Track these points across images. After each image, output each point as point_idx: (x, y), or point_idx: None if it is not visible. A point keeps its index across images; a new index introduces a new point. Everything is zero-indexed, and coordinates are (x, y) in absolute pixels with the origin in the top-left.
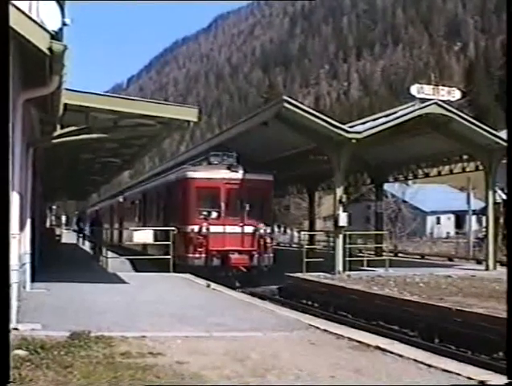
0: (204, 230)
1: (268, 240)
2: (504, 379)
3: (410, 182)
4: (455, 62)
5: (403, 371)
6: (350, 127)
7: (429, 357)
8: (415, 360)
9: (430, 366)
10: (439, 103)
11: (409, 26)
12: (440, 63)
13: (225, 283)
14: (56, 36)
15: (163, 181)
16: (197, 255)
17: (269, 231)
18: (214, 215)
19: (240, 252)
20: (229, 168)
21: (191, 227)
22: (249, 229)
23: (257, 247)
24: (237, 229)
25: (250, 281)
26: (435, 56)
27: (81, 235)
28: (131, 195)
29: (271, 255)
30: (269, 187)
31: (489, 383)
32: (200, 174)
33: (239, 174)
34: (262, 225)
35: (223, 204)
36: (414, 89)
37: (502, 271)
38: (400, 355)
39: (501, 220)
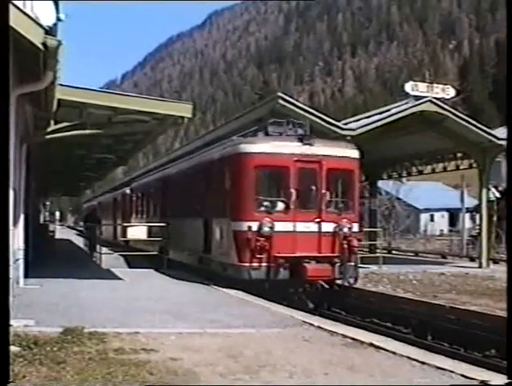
0: (265, 228)
1: (354, 243)
2: (502, 378)
3: (404, 179)
4: (449, 60)
5: (397, 368)
6: (344, 124)
7: (423, 354)
8: (409, 357)
9: (423, 363)
10: (434, 100)
11: (404, 24)
12: (435, 61)
13: (291, 302)
14: (51, 32)
15: (197, 161)
16: (256, 264)
17: (355, 229)
18: (280, 206)
19: (318, 259)
20: (300, 139)
21: (246, 223)
22: (328, 227)
23: (340, 252)
24: (313, 227)
25: (329, 301)
26: (430, 54)
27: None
28: (142, 185)
29: (358, 263)
30: (354, 167)
31: (490, 383)
32: (260, 147)
33: (315, 149)
34: (345, 221)
35: (293, 191)
36: (408, 87)
37: (495, 269)
38: (394, 353)
39: (495, 218)
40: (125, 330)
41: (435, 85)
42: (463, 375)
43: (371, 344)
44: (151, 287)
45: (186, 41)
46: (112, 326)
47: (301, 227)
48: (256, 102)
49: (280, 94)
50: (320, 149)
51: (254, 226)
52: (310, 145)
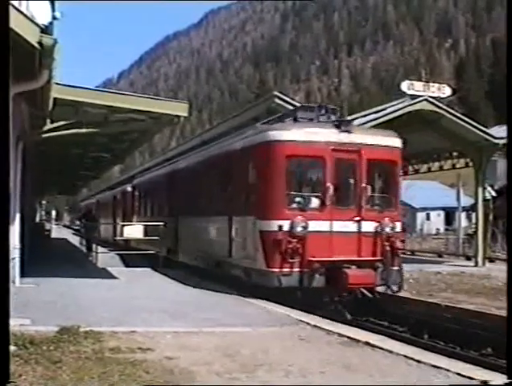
0: (298, 228)
1: (398, 244)
2: (499, 377)
3: (400, 178)
4: (445, 59)
5: (393, 367)
6: None
7: (419, 353)
8: (405, 356)
9: (419, 362)
10: (430, 100)
11: (400, 23)
12: (431, 60)
13: (325, 313)
14: (46, 30)
15: (214, 153)
16: (287, 269)
17: (398, 228)
18: (315, 203)
19: (358, 263)
20: (337, 126)
21: (276, 222)
22: (369, 226)
23: (382, 255)
24: (352, 227)
25: (368, 311)
26: (426, 53)
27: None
28: (146, 182)
29: (402, 268)
30: (397, 158)
31: (489, 383)
32: (292, 134)
33: (354, 137)
34: (388, 220)
35: (329, 185)
36: (404, 86)
37: (491, 267)
38: (390, 351)
39: (491, 217)
40: (122, 329)
41: (431, 84)
42: (459, 374)
43: (367, 343)
44: (148, 286)
45: (182, 40)
46: (108, 325)
47: (338, 226)
48: (252, 101)
49: (276, 93)
50: (359, 136)
51: (285, 225)
52: (348, 132)
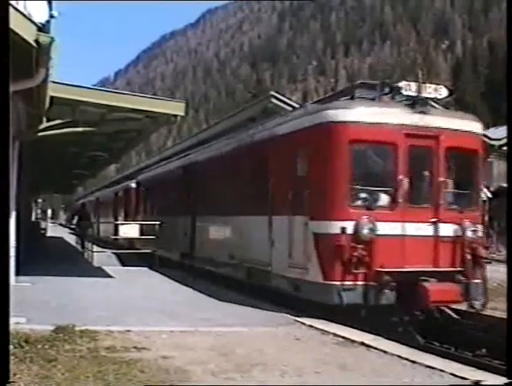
0: (364, 230)
1: (481, 251)
2: (494, 378)
3: None
4: (442, 60)
5: (388, 367)
6: None
7: (413, 353)
8: (399, 356)
9: (414, 362)
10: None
11: (397, 24)
12: (428, 61)
13: (391, 334)
14: (43, 28)
15: (247, 141)
16: (349, 282)
17: (480, 233)
18: (384, 199)
19: (437, 275)
20: (411, 106)
21: (336, 224)
22: (448, 230)
23: (463, 265)
24: (428, 230)
25: (443, 334)
26: (423, 54)
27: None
28: (153, 177)
29: (487, 281)
30: (479, 146)
31: (484, 383)
32: (357, 114)
33: (431, 119)
34: (469, 222)
35: (402, 178)
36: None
37: (487, 268)
38: (385, 352)
39: (486, 218)
40: (117, 328)
41: (427, 85)
42: (453, 374)
43: (362, 343)
44: (143, 285)
45: (179, 39)
46: (104, 325)
47: (412, 229)
48: (249, 101)
49: (273, 93)
50: (436, 119)
51: (349, 227)
52: (424, 113)
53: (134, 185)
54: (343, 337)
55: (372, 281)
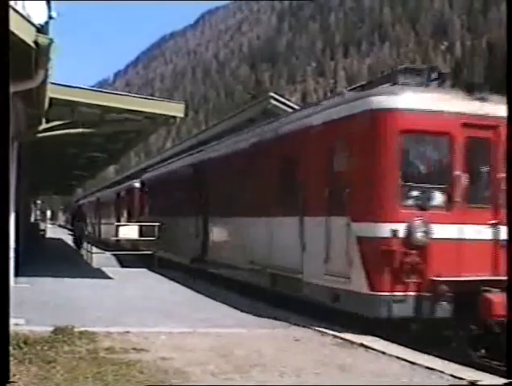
0: (418, 234)
1: None
2: (492, 378)
3: None
4: (441, 61)
5: (386, 368)
6: None
7: (412, 354)
8: (398, 357)
9: (413, 363)
10: None
11: (396, 25)
12: (427, 62)
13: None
14: (42, 30)
15: (273, 133)
16: (400, 293)
17: None
18: (438, 198)
19: (501, 285)
20: (469, 91)
21: (386, 226)
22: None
23: None
24: (487, 233)
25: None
26: (422, 55)
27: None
28: (159, 176)
29: None
30: None
31: (480, 383)
32: (408, 100)
33: (490, 108)
34: None
35: (460, 174)
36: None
37: None
38: (383, 353)
39: None
40: (116, 329)
41: None
42: (452, 376)
43: (361, 344)
44: (142, 286)
45: (179, 40)
46: (102, 326)
47: (471, 232)
48: (248, 102)
49: (272, 94)
50: (496, 107)
51: (401, 229)
52: (482, 100)
53: (137, 185)
54: (342, 338)
55: (426, 291)
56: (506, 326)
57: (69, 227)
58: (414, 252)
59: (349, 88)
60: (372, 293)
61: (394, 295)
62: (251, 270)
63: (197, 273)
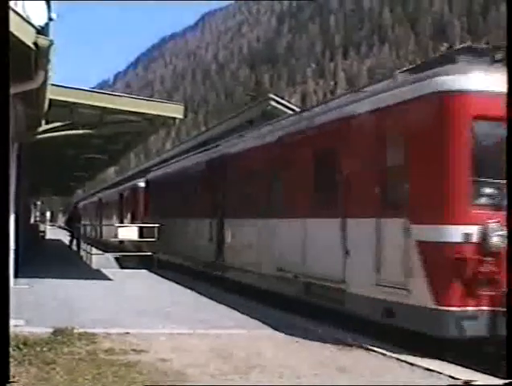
0: (494, 238)
1: None
2: (492, 379)
3: None
4: None
5: (386, 369)
6: None
7: (412, 356)
8: (398, 359)
9: (412, 364)
10: None
11: (396, 26)
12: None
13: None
14: (42, 31)
15: (307, 124)
16: (472, 308)
17: None
18: None
19: None
20: None
21: (455, 229)
22: None
23: None
24: None
25: None
26: (422, 56)
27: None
28: (166, 175)
29: None
30: None
31: (475, 383)
32: (481, 81)
33: None
34: None
35: None
36: None
37: None
38: (383, 354)
39: None
40: (115, 330)
41: None
42: (451, 377)
43: (360, 346)
44: (142, 287)
45: (178, 41)
46: (102, 327)
47: None
48: (248, 103)
49: (272, 95)
50: None
51: (474, 233)
52: None
53: (142, 184)
54: (340, 340)
55: (501, 305)
56: (506, 326)
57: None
58: (489, 259)
59: (400, 70)
60: (438, 307)
61: (465, 310)
62: (279, 278)
63: (211, 279)
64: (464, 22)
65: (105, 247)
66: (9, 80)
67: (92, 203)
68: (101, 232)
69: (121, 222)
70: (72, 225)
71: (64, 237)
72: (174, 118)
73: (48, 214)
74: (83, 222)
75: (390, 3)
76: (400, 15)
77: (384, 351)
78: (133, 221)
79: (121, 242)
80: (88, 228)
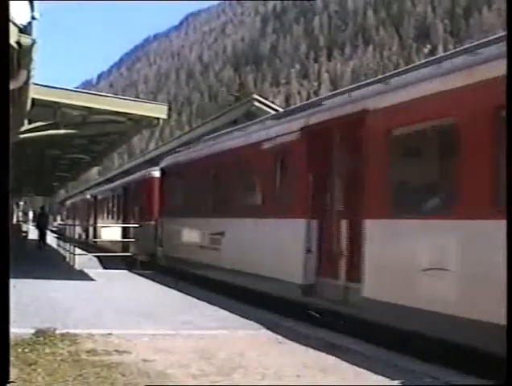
0: None
1: None
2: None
3: None
4: None
5: (370, 370)
6: None
7: (396, 357)
8: (381, 359)
9: (395, 365)
10: None
11: (380, 28)
12: (410, 65)
13: None
14: (25, 30)
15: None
16: None
17: None
18: None
19: None
20: None
21: None
22: None
23: None
24: None
25: None
26: (405, 58)
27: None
28: (197, 159)
29: None
30: None
31: (454, 383)
32: None
33: None
34: None
35: None
36: None
37: None
38: (367, 355)
39: None
40: (98, 331)
41: None
42: (434, 378)
43: (345, 347)
44: (125, 288)
45: (162, 42)
46: (84, 327)
47: None
48: (232, 104)
49: (256, 96)
50: None
51: None
52: None
53: (156, 174)
54: (326, 341)
55: None
56: (506, 326)
57: (51, 228)
58: None
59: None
60: None
61: None
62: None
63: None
64: (447, 25)
65: (102, 250)
66: (8, 78)
67: (83, 201)
68: (95, 234)
69: (127, 222)
70: (40, 226)
71: (48, 238)
72: (158, 118)
73: (31, 214)
74: (70, 222)
75: (373, 5)
76: (384, 17)
77: (367, 352)
78: (141, 219)
79: (127, 245)
80: (78, 229)
